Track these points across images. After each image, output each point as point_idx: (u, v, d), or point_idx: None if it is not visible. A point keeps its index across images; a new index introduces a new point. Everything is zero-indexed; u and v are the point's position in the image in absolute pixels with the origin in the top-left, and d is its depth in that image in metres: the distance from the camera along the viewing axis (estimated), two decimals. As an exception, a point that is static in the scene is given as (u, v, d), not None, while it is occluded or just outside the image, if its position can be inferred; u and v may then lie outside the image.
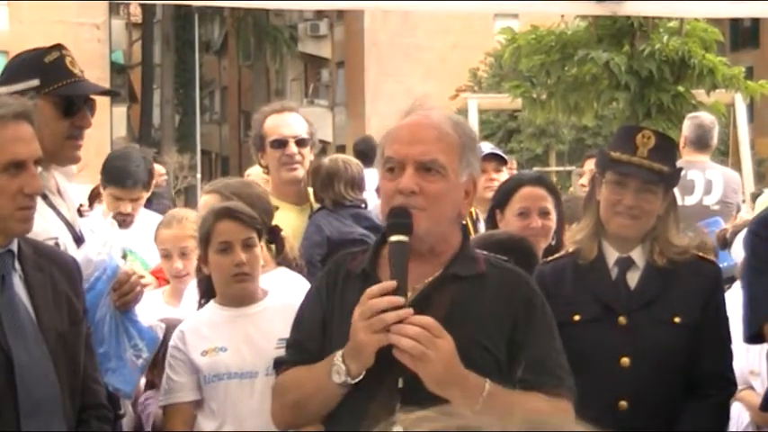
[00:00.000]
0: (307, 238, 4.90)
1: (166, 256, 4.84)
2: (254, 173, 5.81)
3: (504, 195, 4.58)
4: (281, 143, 4.97)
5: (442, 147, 2.82)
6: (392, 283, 2.70)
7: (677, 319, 3.60)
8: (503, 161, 6.08)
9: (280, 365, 2.99)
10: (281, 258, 4.35)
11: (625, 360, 3.58)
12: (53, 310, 3.01)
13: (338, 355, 2.75)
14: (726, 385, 3.71)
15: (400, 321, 2.66)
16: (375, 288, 2.71)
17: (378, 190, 3.66)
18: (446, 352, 2.66)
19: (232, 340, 3.79)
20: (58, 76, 3.53)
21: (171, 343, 3.91)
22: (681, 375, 3.62)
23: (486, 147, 6.31)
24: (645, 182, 3.61)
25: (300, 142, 4.98)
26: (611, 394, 3.54)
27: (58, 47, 3.61)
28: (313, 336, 2.89)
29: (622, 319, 3.61)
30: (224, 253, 3.83)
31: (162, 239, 4.86)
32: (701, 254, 3.83)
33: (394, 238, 2.76)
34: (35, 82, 3.49)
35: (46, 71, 3.52)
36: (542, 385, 2.76)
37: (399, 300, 2.68)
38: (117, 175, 5.54)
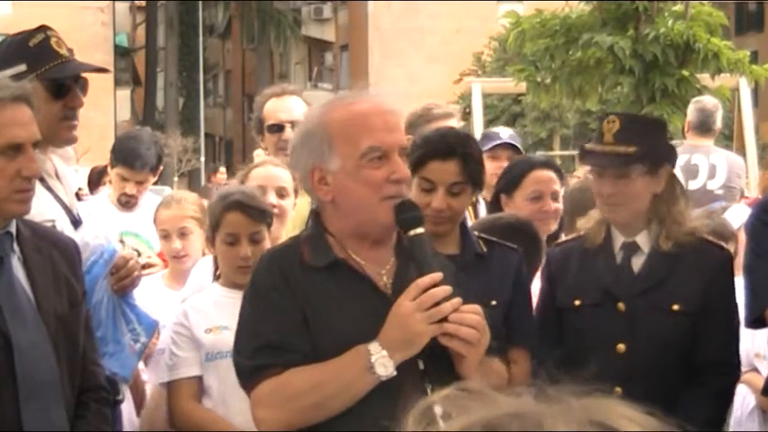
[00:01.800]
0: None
1: (166, 236, 4.82)
2: (262, 154, 5.81)
3: (513, 179, 4.53)
4: (277, 128, 4.97)
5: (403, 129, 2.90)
6: (439, 275, 2.70)
7: (676, 307, 3.55)
8: (517, 152, 6.03)
9: (262, 370, 2.79)
10: None
11: (621, 346, 3.54)
12: (52, 292, 3.00)
13: (374, 348, 2.69)
14: (727, 372, 3.65)
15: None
16: (426, 279, 2.69)
17: None
18: (488, 337, 2.76)
19: (235, 321, 3.78)
20: (44, 58, 3.50)
21: (174, 320, 3.93)
22: (680, 363, 3.57)
23: (505, 133, 6.23)
24: (614, 166, 3.57)
25: None
26: (606, 380, 3.52)
27: (43, 28, 3.58)
28: (299, 334, 2.77)
29: (621, 305, 3.57)
30: (231, 245, 3.85)
31: (161, 220, 4.85)
32: (710, 238, 3.76)
33: (413, 232, 2.75)
34: (22, 67, 3.46)
35: (32, 55, 3.49)
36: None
37: (449, 289, 2.70)
38: (126, 155, 5.55)
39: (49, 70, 3.50)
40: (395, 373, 2.68)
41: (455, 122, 5.39)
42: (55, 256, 3.07)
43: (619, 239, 3.67)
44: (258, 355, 2.80)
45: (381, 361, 2.68)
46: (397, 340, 2.70)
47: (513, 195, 4.49)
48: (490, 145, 5.73)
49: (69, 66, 3.57)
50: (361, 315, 2.75)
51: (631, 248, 3.65)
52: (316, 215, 2.92)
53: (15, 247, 3.00)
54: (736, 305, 3.69)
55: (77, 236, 3.46)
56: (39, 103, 3.16)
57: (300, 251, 2.84)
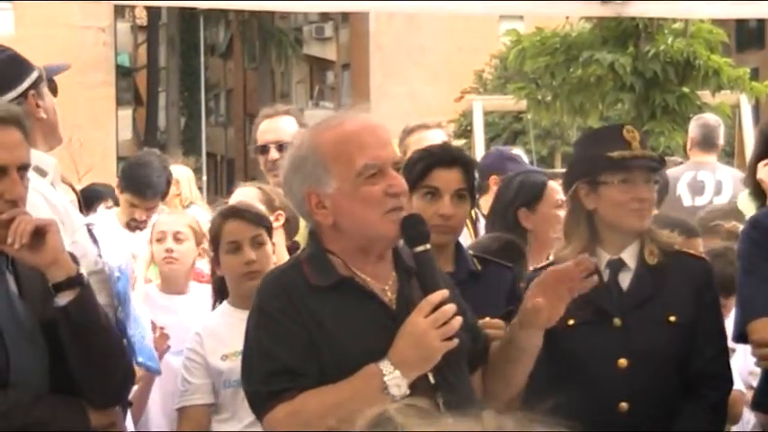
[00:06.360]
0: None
1: (160, 239, 4.80)
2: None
3: (535, 191, 4.56)
4: (263, 149, 5.01)
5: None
6: (446, 292, 2.72)
7: (672, 318, 3.56)
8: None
9: (277, 395, 2.73)
10: None
11: (622, 362, 3.53)
12: (39, 304, 2.97)
13: (386, 368, 2.69)
14: (720, 384, 3.65)
15: None
16: (437, 296, 2.71)
17: None
18: None
19: None
20: (31, 65, 3.57)
21: (188, 345, 3.92)
22: (680, 374, 3.58)
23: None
24: (651, 170, 3.59)
25: (283, 147, 4.96)
26: (610, 397, 3.52)
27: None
28: (309, 356, 2.75)
29: (617, 321, 3.56)
30: (233, 253, 3.86)
31: (158, 224, 4.92)
32: (689, 251, 3.80)
33: (420, 248, 2.77)
34: (35, 73, 3.52)
35: (29, 64, 3.55)
36: None
37: (454, 306, 2.72)
38: (138, 184, 5.58)
39: (48, 72, 3.58)
40: (408, 392, 2.67)
41: (441, 133, 5.38)
42: None
43: (604, 258, 3.63)
44: (273, 380, 2.75)
45: (395, 381, 2.68)
46: (413, 358, 2.70)
47: (537, 208, 4.49)
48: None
49: (52, 67, 3.69)
50: (369, 332, 2.75)
51: (617, 265, 3.63)
52: (314, 236, 2.89)
53: (9, 266, 2.99)
54: (723, 317, 3.73)
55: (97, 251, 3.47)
56: (52, 104, 3.18)
57: (302, 272, 2.82)
